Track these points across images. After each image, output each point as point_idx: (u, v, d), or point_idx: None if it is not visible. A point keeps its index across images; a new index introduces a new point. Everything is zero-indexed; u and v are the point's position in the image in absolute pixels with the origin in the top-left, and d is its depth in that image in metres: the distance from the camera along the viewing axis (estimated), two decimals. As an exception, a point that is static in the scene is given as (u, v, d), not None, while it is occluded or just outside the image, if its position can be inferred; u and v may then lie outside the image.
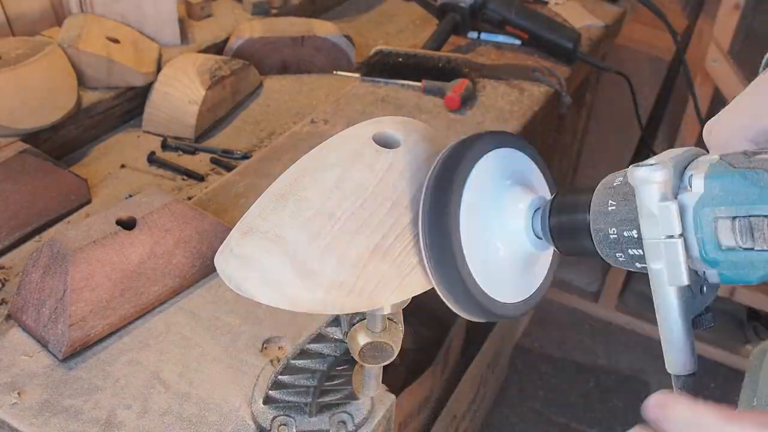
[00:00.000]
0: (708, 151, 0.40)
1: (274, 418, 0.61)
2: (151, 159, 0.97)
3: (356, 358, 0.51)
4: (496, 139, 0.46)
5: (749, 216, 0.34)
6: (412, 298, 0.48)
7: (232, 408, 0.63)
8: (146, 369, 0.66)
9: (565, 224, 0.43)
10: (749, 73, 1.55)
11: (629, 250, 0.39)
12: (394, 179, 0.46)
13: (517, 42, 1.32)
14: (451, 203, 0.42)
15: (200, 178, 0.95)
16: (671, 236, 0.35)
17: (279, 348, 0.69)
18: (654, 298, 0.37)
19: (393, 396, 0.66)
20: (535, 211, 0.45)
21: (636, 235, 0.38)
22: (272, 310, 0.54)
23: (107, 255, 0.68)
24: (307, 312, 0.45)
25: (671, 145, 1.79)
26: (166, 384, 0.65)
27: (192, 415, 0.62)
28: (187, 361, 0.67)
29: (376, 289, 0.45)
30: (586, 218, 0.41)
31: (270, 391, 0.60)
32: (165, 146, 1.00)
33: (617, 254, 0.40)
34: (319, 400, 0.60)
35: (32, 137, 0.90)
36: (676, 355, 0.38)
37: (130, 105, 1.05)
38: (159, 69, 1.06)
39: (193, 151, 1.00)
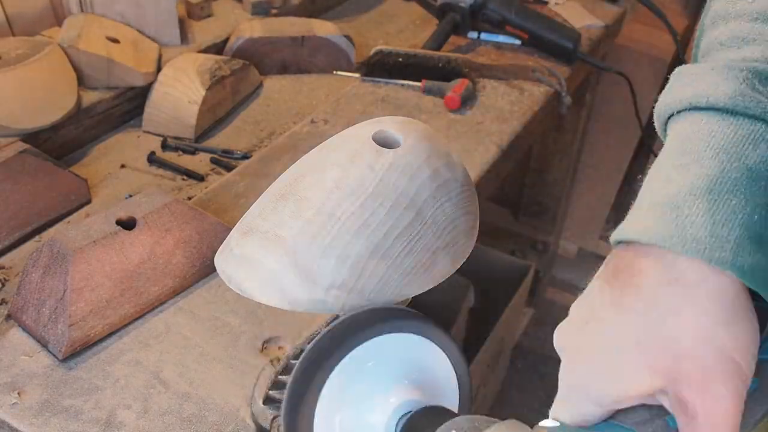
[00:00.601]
0: None
1: (274, 418, 0.61)
2: (151, 159, 0.97)
3: (356, 358, 0.51)
4: (386, 326, 0.44)
5: None
6: (412, 298, 0.48)
7: (232, 408, 0.63)
8: (146, 369, 0.66)
9: None
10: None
11: None
12: (394, 179, 0.46)
13: (517, 42, 1.32)
14: (309, 403, 0.42)
15: (200, 178, 0.95)
16: None
17: (279, 348, 0.69)
18: None
19: (393, 396, 0.66)
20: (402, 416, 0.44)
21: None
22: (272, 310, 0.54)
23: (107, 255, 0.68)
24: (307, 312, 0.45)
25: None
26: (166, 384, 0.65)
27: (192, 415, 0.62)
28: (187, 361, 0.67)
29: (376, 289, 0.45)
30: None
31: (270, 391, 0.60)
32: (165, 146, 1.00)
33: None
34: (319, 400, 0.60)
35: (32, 137, 0.90)
36: None
37: (130, 105, 1.05)
38: (159, 69, 1.06)
39: (193, 151, 1.00)
